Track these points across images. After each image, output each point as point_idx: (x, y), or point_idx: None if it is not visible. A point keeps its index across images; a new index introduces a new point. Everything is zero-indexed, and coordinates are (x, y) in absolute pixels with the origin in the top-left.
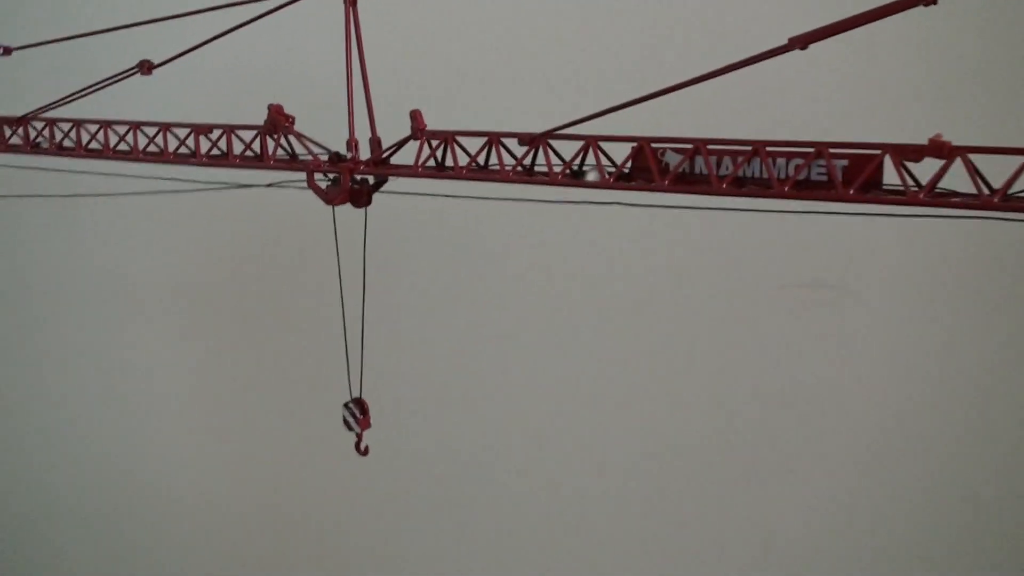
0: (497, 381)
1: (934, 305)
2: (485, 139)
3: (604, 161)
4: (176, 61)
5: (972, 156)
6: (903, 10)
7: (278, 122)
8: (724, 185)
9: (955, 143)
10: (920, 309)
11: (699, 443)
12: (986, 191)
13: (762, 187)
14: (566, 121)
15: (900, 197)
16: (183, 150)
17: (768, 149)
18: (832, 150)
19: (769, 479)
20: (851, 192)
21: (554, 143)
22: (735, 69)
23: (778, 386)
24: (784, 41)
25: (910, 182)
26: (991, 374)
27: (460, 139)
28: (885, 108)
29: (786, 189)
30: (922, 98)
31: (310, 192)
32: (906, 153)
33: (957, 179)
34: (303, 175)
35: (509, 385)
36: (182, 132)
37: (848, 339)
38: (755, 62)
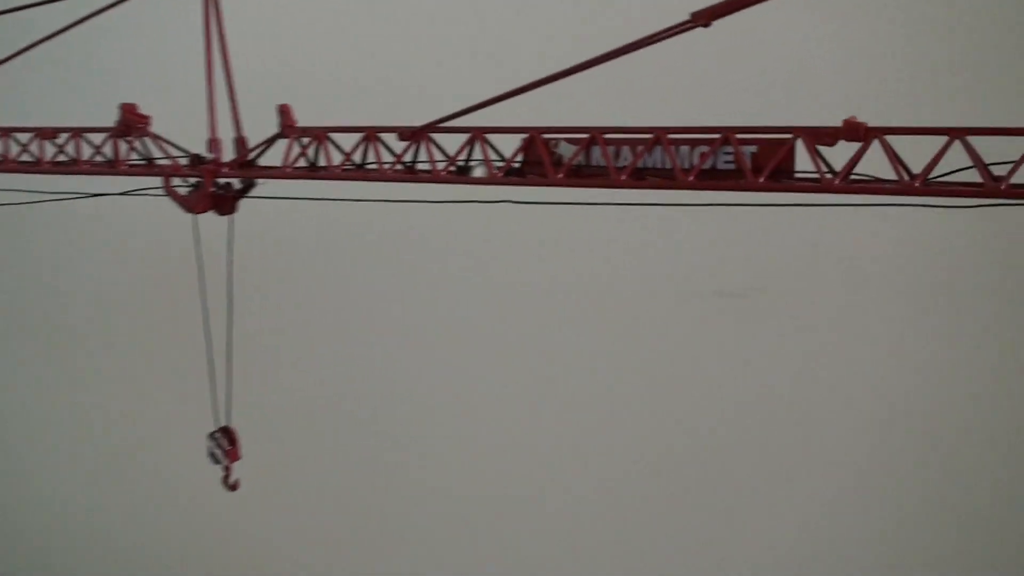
0: (386, 400)
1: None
2: (361, 135)
3: (493, 155)
4: (17, 59)
5: (892, 138)
6: None
7: (132, 123)
8: (623, 177)
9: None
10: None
11: (596, 448)
12: (906, 176)
13: (665, 178)
14: (452, 112)
15: (814, 184)
16: (25, 157)
17: (670, 137)
18: (740, 136)
19: (698, 492)
20: (761, 180)
21: (437, 137)
22: (634, 50)
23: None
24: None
25: (825, 169)
26: (923, 371)
27: (334, 136)
28: (805, 91)
29: (691, 179)
30: (846, 79)
31: (170, 200)
32: (819, 136)
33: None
34: (160, 181)
35: (399, 403)
36: (24, 137)
37: (773, 344)
38: (655, 41)
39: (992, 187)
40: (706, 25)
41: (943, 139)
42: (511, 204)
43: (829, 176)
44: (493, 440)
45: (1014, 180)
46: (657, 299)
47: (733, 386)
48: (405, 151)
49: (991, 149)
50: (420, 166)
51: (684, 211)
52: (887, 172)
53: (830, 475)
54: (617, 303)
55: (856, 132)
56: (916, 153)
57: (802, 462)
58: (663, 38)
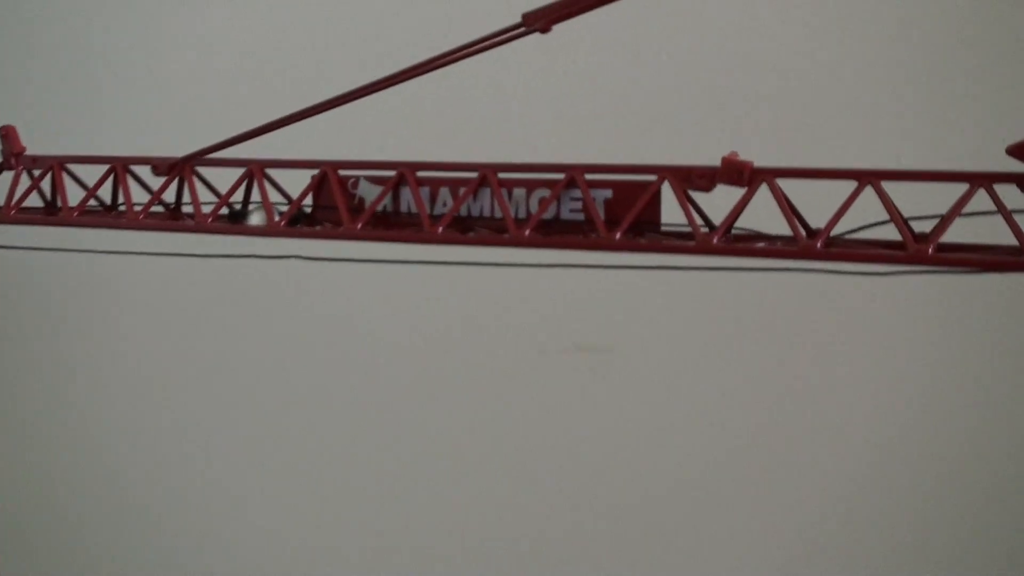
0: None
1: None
2: (107, 166)
3: (276, 196)
4: None
5: (786, 183)
6: None
7: None
8: (439, 229)
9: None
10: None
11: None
12: (804, 234)
13: (493, 233)
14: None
15: (684, 244)
16: None
17: (501, 176)
18: (590, 176)
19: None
20: (617, 237)
21: (204, 171)
22: (455, 60)
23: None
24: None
25: (701, 222)
26: (776, 430)
27: (72, 167)
28: (686, 119)
29: (526, 234)
30: (742, 102)
31: None
32: (690, 178)
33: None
34: None
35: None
36: None
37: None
38: (482, 50)
39: (915, 250)
40: (544, 31)
41: (852, 184)
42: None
43: (705, 231)
44: (326, 513)
45: (943, 240)
46: (506, 355)
47: (593, 446)
48: (163, 188)
49: (918, 198)
50: (185, 209)
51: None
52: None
53: (682, 534)
54: (454, 363)
55: (738, 174)
56: (823, 201)
57: (654, 510)
58: (491, 46)
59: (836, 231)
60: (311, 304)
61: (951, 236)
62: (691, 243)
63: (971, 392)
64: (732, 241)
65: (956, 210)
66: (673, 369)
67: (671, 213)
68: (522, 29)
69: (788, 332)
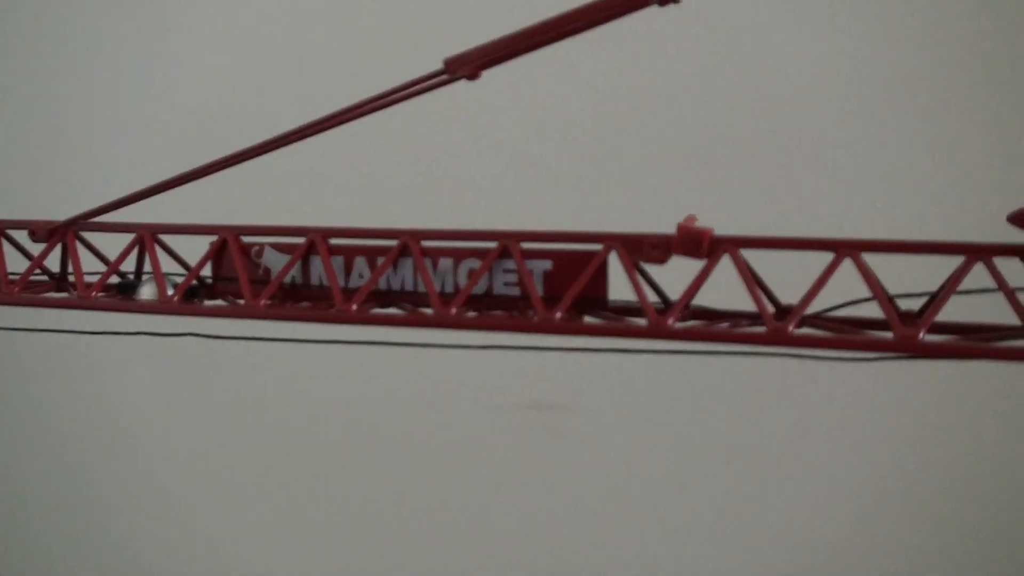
0: None
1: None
2: None
3: (172, 265)
4: None
5: (751, 253)
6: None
7: None
8: (353, 307)
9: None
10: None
11: None
12: (772, 311)
13: (416, 310)
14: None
15: (634, 326)
16: None
17: (424, 244)
18: (527, 244)
19: None
20: (556, 318)
21: (92, 236)
22: (371, 111)
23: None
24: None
25: (658, 299)
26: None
27: None
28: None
29: (452, 312)
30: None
31: None
32: (642, 249)
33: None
34: None
35: None
36: None
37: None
38: (401, 99)
39: (902, 336)
40: (472, 77)
41: (829, 256)
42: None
43: (661, 308)
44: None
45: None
46: (458, 414)
47: (550, 507)
48: (43, 256)
49: (907, 271)
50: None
51: None
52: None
53: None
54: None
55: (695, 243)
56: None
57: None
58: (412, 95)
59: (813, 308)
60: (216, 384)
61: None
62: (642, 325)
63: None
64: (693, 318)
65: (951, 288)
66: (635, 430)
67: (621, 288)
68: (445, 76)
69: (755, 394)
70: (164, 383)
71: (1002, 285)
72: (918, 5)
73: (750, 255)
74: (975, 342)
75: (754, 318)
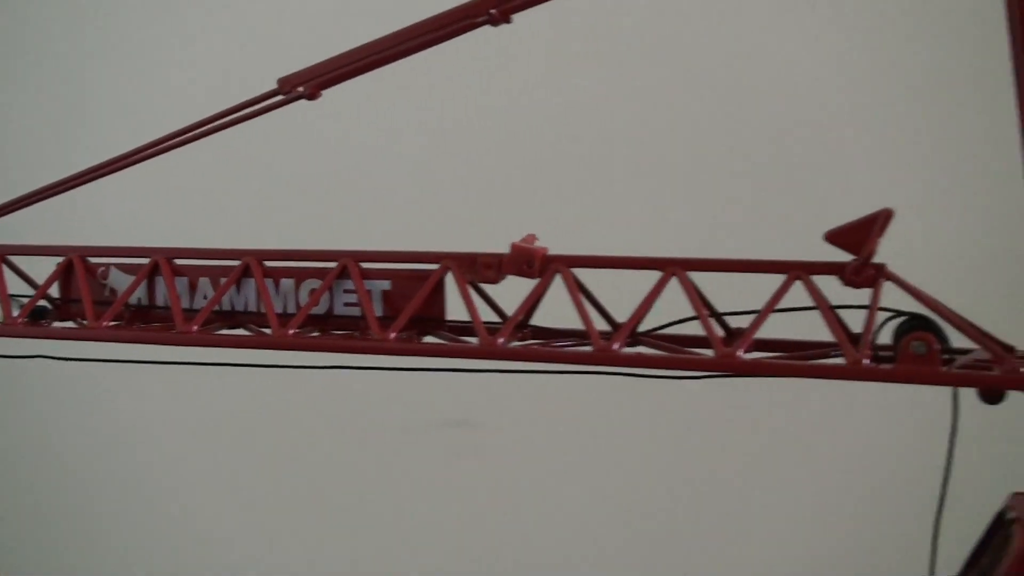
0: None
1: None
2: None
3: (17, 286)
4: None
5: (585, 272)
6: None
7: None
8: (194, 328)
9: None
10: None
11: None
12: (607, 328)
13: (257, 328)
14: None
15: (465, 346)
16: None
17: (268, 264)
18: (367, 264)
19: None
20: (391, 337)
21: None
22: (205, 134)
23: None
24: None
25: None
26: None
27: None
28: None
29: (290, 334)
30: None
31: None
32: (475, 268)
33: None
34: None
35: None
36: None
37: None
38: (238, 121)
39: (722, 355)
40: (311, 97)
41: (657, 275)
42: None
43: (498, 327)
44: None
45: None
46: (365, 434)
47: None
48: None
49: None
50: None
51: None
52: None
53: None
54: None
55: (527, 263)
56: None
57: None
58: (248, 116)
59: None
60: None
61: (781, 326)
62: (475, 345)
63: None
64: (533, 336)
65: (771, 305)
66: (544, 443)
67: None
68: (281, 97)
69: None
70: (15, 407)
71: (819, 302)
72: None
73: (585, 275)
74: (790, 360)
75: (577, 337)
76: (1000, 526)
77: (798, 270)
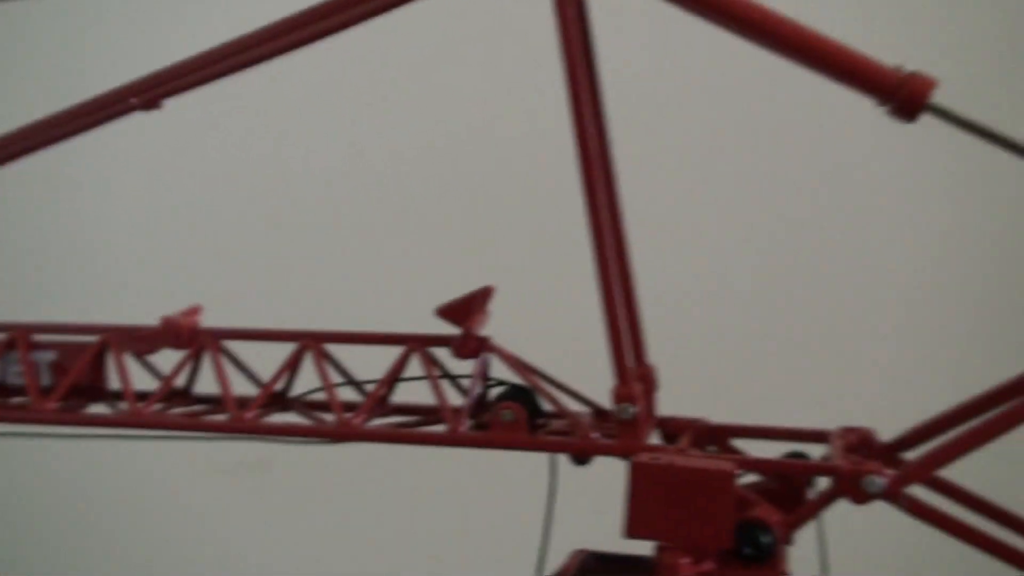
0: None
1: None
2: None
3: None
4: None
5: (239, 345)
6: None
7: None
8: None
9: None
10: None
11: None
12: (234, 399)
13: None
14: None
15: (115, 416)
16: None
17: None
18: (39, 336)
19: None
20: (50, 406)
21: None
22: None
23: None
24: None
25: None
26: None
27: None
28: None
29: None
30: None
31: None
32: (131, 341)
33: None
34: None
35: None
36: None
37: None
38: (87, 128)
39: (338, 424)
40: (149, 106)
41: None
42: None
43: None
44: None
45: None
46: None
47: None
48: None
49: None
50: None
51: None
52: None
53: None
54: None
55: (175, 336)
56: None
57: None
58: (97, 123)
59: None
60: None
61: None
62: (117, 414)
63: None
64: (195, 402)
65: (392, 374)
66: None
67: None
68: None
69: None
70: None
71: (428, 373)
72: None
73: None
74: (399, 428)
75: (217, 402)
76: None
77: (415, 343)
